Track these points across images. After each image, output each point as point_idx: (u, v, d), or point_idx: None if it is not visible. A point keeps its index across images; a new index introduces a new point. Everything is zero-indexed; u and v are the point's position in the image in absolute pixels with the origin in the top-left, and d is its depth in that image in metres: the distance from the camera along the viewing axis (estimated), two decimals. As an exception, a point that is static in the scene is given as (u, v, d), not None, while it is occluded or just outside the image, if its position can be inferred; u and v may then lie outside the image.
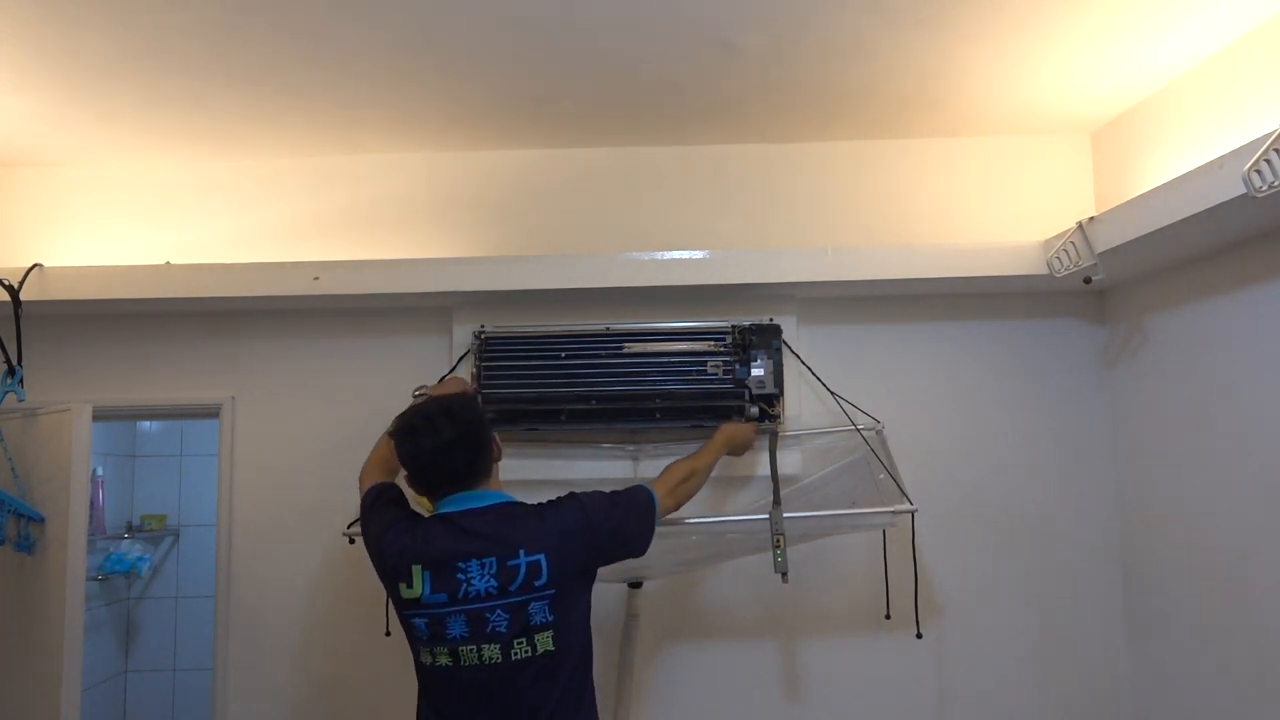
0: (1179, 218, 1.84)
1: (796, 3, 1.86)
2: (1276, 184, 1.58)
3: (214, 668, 2.53)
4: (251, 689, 2.51)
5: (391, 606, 1.79)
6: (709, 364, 2.41)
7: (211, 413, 2.62)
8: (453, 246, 2.62)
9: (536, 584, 1.66)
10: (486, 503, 1.75)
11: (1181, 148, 2.17)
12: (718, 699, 2.49)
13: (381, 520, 1.81)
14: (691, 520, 2.23)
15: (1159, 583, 2.34)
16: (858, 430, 2.43)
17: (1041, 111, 2.44)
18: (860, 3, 1.86)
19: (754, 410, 2.38)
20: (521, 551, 1.67)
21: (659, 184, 2.65)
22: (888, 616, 2.38)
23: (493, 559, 1.66)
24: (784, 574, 2.11)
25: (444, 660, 1.68)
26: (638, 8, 1.87)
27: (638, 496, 1.87)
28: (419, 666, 1.76)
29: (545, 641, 1.67)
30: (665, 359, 2.41)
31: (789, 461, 2.45)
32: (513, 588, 1.65)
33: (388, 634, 2.41)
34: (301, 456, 2.58)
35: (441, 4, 1.84)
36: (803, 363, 2.50)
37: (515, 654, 1.65)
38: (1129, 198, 2.07)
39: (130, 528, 3.95)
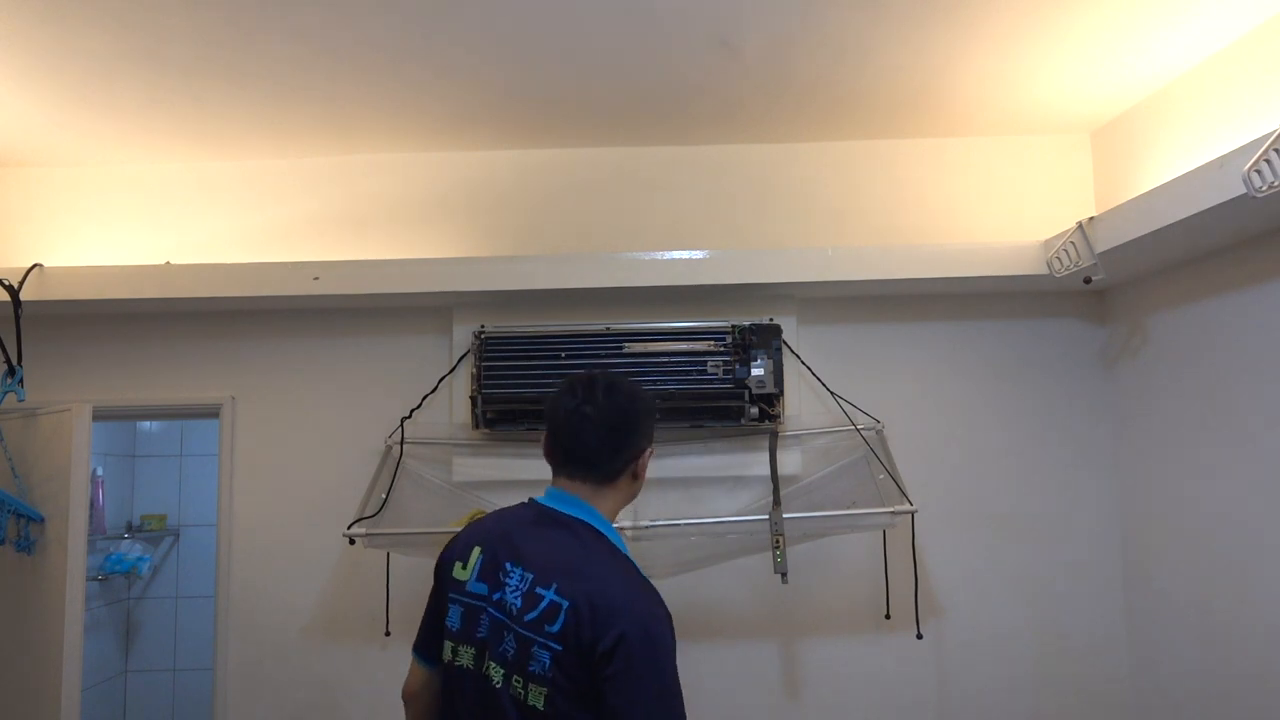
0: (1179, 218, 1.84)
1: (796, 3, 1.86)
2: (1276, 184, 1.58)
3: (214, 668, 2.53)
4: (251, 689, 2.51)
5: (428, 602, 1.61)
6: (709, 364, 2.41)
7: (211, 413, 2.62)
8: (453, 246, 2.62)
9: (548, 628, 1.39)
10: (572, 513, 1.52)
11: (1181, 148, 2.17)
12: (718, 699, 2.49)
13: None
14: (691, 520, 2.24)
15: (1159, 583, 2.34)
16: (858, 430, 2.43)
17: (1041, 111, 2.44)
18: (860, 2, 1.86)
19: (754, 411, 2.39)
20: (554, 585, 1.42)
21: (659, 184, 2.65)
22: (888, 616, 2.38)
23: (531, 576, 1.45)
24: (784, 574, 2.11)
25: (465, 660, 1.48)
26: (638, 8, 1.87)
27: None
28: (443, 670, 1.55)
29: (537, 697, 1.38)
30: (665, 359, 2.41)
31: (789, 461, 2.45)
32: (527, 617, 1.42)
33: (388, 634, 2.42)
34: (301, 456, 2.58)
35: (441, 4, 1.84)
36: (803, 363, 2.50)
37: (511, 690, 1.41)
38: (1129, 198, 2.07)
39: (130, 528, 3.95)
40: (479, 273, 2.40)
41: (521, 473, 2.45)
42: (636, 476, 1.60)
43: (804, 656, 2.51)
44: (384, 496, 2.35)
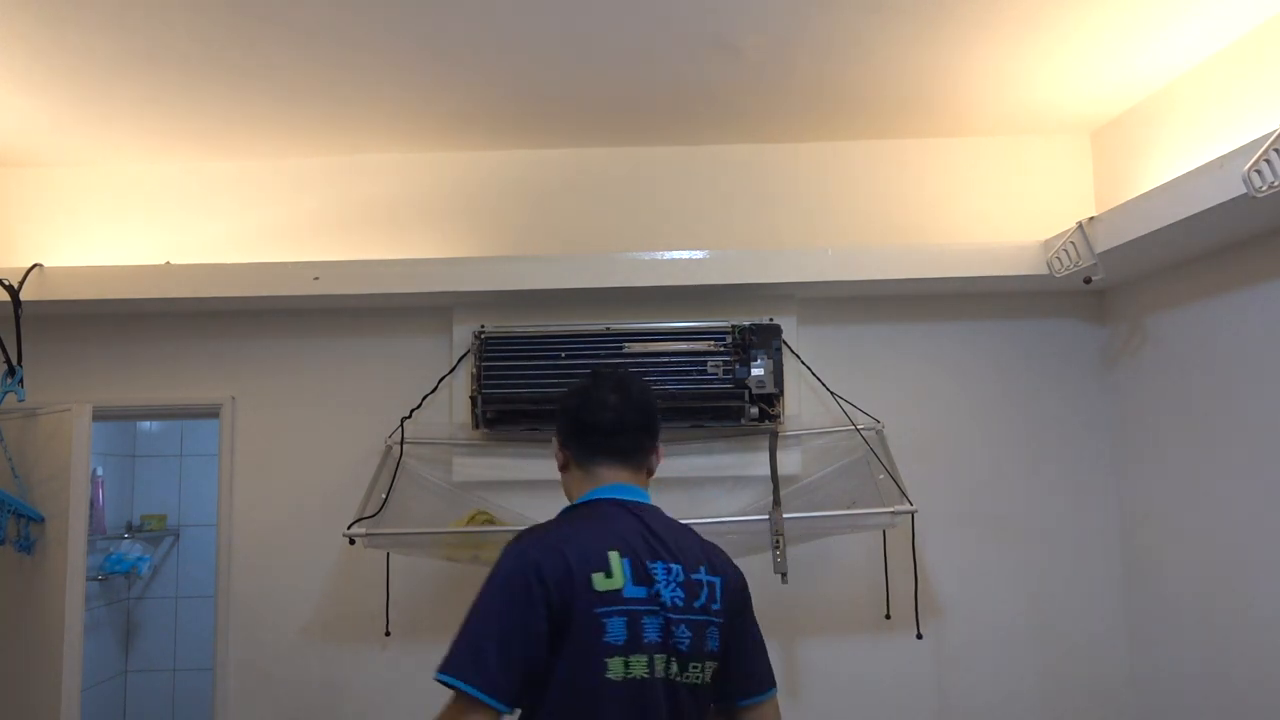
0: (1179, 218, 1.84)
1: (796, 3, 1.86)
2: (1276, 184, 1.58)
3: (214, 668, 2.53)
4: (251, 689, 2.51)
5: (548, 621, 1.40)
6: (709, 364, 2.40)
7: (211, 413, 2.62)
8: (453, 246, 2.62)
9: (713, 607, 1.49)
10: (650, 503, 1.58)
11: (1181, 148, 2.17)
12: (718, 699, 2.49)
13: (535, 530, 1.54)
14: (692, 520, 2.23)
15: (1159, 582, 2.34)
16: (858, 430, 2.43)
17: (1041, 111, 2.44)
18: (860, 3, 1.86)
19: (754, 411, 2.39)
20: (704, 568, 1.51)
21: (659, 184, 2.65)
22: (888, 616, 2.38)
23: (678, 567, 1.48)
24: (784, 574, 2.11)
25: (639, 671, 1.40)
26: (638, 8, 1.87)
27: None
28: (588, 687, 1.39)
29: (709, 673, 1.48)
30: (665, 359, 2.41)
31: (789, 461, 2.45)
32: (696, 604, 1.47)
33: (388, 634, 2.42)
34: (301, 456, 2.58)
35: (442, 4, 1.84)
36: (803, 363, 2.50)
37: (689, 677, 1.46)
38: (1129, 198, 2.07)
39: (130, 528, 3.94)
40: (479, 273, 2.40)
41: (521, 473, 2.45)
42: (651, 471, 1.64)
43: (804, 656, 2.51)
44: (384, 496, 2.35)
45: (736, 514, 2.37)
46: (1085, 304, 2.59)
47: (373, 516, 2.28)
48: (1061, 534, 2.52)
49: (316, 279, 2.39)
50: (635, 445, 1.58)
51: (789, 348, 2.48)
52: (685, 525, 1.61)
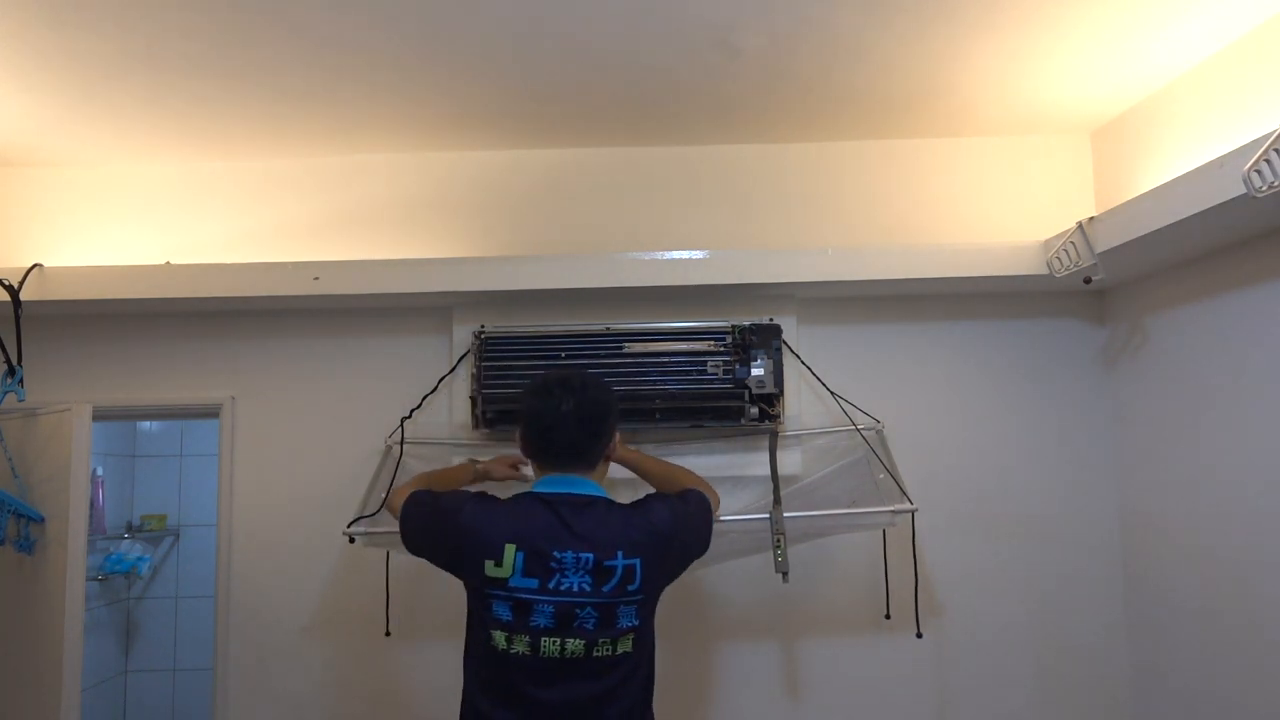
0: (1179, 218, 1.84)
1: (796, 3, 1.86)
2: (1276, 184, 1.58)
3: (214, 668, 2.53)
4: (251, 689, 2.51)
5: (466, 589, 1.71)
6: (709, 364, 2.40)
7: (211, 413, 2.62)
8: (453, 246, 2.62)
9: (629, 588, 1.64)
10: (586, 492, 1.71)
11: (1181, 148, 2.17)
12: (718, 699, 2.49)
13: (455, 499, 1.76)
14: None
15: (1159, 583, 2.34)
16: (858, 430, 2.43)
17: (1041, 111, 2.44)
18: (860, 2, 1.86)
19: (754, 411, 2.39)
20: (620, 554, 1.64)
21: (659, 184, 2.65)
22: (888, 616, 2.38)
23: (590, 556, 1.63)
24: (784, 574, 2.11)
25: (521, 648, 1.63)
26: (638, 8, 1.87)
27: (694, 496, 1.86)
28: (488, 652, 1.66)
29: (626, 644, 1.65)
30: (665, 359, 2.41)
31: (789, 461, 2.45)
32: (606, 589, 1.63)
33: (388, 634, 2.42)
34: (301, 456, 2.58)
35: (441, 4, 1.84)
36: (803, 363, 2.50)
37: (597, 652, 1.63)
38: (1129, 198, 2.07)
39: (130, 528, 3.95)
40: (479, 273, 2.40)
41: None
42: (608, 459, 1.82)
43: (804, 656, 2.51)
44: (384, 496, 2.34)
45: (736, 514, 2.36)
46: (1085, 304, 2.59)
47: (372, 515, 2.28)
48: (1061, 534, 2.52)
49: (316, 279, 2.39)
50: (579, 449, 1.74)
51: (789, 348, 2.48)
52: (613, 511, 1.71)
